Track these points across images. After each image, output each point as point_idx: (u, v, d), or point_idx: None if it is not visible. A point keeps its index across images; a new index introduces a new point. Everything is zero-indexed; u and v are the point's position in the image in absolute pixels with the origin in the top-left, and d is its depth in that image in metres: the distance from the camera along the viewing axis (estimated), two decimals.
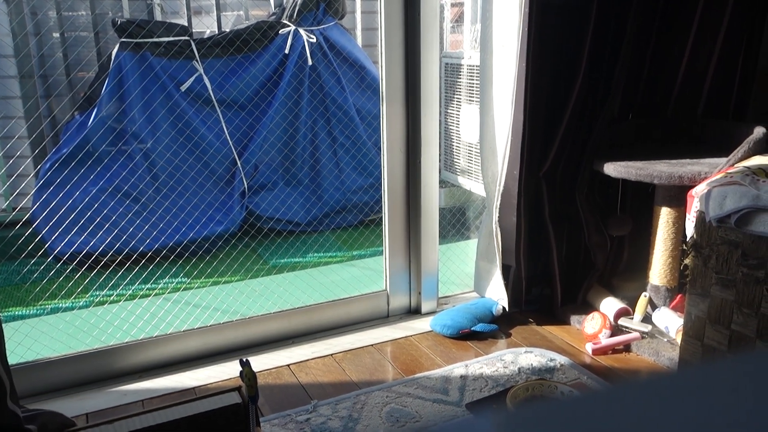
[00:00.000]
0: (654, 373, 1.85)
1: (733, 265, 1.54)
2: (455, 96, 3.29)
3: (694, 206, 1.67)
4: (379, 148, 2.16)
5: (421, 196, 2.13)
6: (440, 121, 3.41)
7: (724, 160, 1.81)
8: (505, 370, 1.86)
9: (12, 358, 1.87)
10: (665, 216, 1.98)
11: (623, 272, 2.34)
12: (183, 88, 3.16)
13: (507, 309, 2.18)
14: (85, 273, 2.83)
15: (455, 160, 3.40)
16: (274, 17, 3.51)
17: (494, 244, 2.14)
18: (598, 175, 2.08)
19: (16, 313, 2.56)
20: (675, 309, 2.02)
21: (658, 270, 2.04)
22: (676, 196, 1.94)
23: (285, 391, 1.79)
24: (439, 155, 3.33)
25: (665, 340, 1.97)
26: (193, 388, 1.81)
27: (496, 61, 2.03)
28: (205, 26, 3.62)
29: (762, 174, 1.57)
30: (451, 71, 3.32)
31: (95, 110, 3.02)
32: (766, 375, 0.41)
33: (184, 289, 2.73)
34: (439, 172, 2.39)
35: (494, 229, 2.12)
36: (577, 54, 2.00)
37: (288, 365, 1.92)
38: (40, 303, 2.64)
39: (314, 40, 3.39)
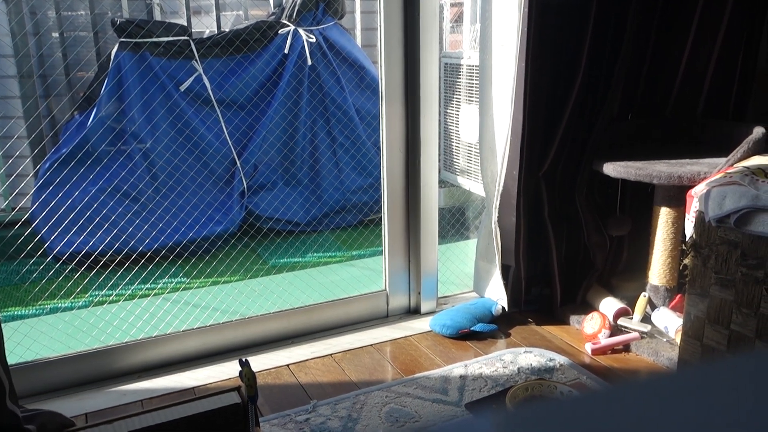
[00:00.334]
0: (653, 373, 1.85)
1: (733, 265, 1.54)
2: (455, 96, 3.29)
3: (693, 206, 1.67)
4: (379, 148, 2.16)
5: (421, 196, 2.13)
6: (440, 121, 3.41)
7: (723, 160, 1.81)
8: (505, 370, 1.86)
9: (11, 358, 1.87)
10: (664, 216, 1.98)
11: (623, 272, 2.34)
12: (182, 87, 3.16)
13: (506, 309, 2.18)
14: (85, 273, 2.82)
15: (455, 160, 3.40)
16: (273, 17, 3.51)
17: (494, 244, 2.14)
18: (598, 175, 2.08)
19: (15, 313, 2.56)
20: (674, 309, 2.02)
21: (658, 270, 2.04)
22: (676, 196, 1.94)
23: (284, 391, 1.79)
24: (439, 155, 3.33)
25: (664, 340, 1.97)
26: (193, 388, 1.81)
27: (496, 61, 2.03)
28: (205, 26, 3.62)
29: (761, 174, 1.57)
30: (450, 71, 3.32)
31: (94, 110, 3.02)
32: (766, 375, 0.41)
33: (184, 289, 2.73)
34: (439, 172, 2.39)
35: (494, 229, 2.12)
36: (576, 54, 2.00)
37: (287, 365, 1.92)
38: (39, 303, 2.64)
39: (314, 40, 3.39)
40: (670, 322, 1.96)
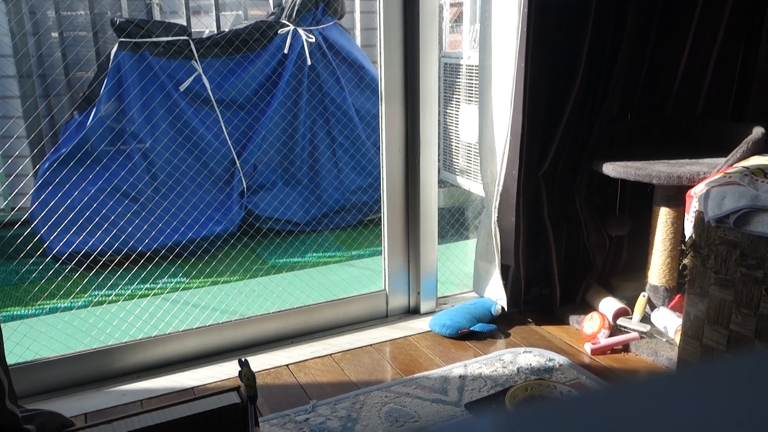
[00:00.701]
0: (653, 373, 1.85)
1: (732, 265, 1.54)
2: (454, 96, 3.29)
3: (692, 206, 1.67)
4: (378, 148, 2.16)
5: (420, 196, 2.13)
6: (439, 121, 3.41)
7: (722, 160, 1.81)
8: (504, 370, 1.86)
9: (10, 358, 1.87)
10: (664, 216, 1.98)
11: (622, 272, 2.34)
12: (182, 87, 3.16)
13: (506, 309, 2.19)
14: (84, 273, 2.82)
15: (454, 160, 3.40)
16: (273, 17, 3.51)
17: (493, 244, 2.14)
18: (597, 175, 2.08)
19: (15, 312, 2.56)
20: (674, 309, 2.02)
21: (657, 270, 2.04)
22: (675, 196, 1.94)
23: (284, 391, 1.79)
24: (438, 155, 3.33)
25: (664, 340, 1.97)
26: (192, 388, 1.80)
27: (495, 61, 2.03)
28: (204, 26, 3.62)
29: (761, 174, 1.57)
30: (450, 71, 3.32)
31: (94, 110, 3.02)
32: (765, 375, 0.41)
33: (183, 288, 2.73)
34: (438, 172, 2.39)
35: (493, 229, 2.12)
36: (576, 54, 2.00)
37: (287, 365, 1.92)
38: (38, 303, 2.64)
39: (313, 40, 3.39)
40: (669, 322, 1.96)
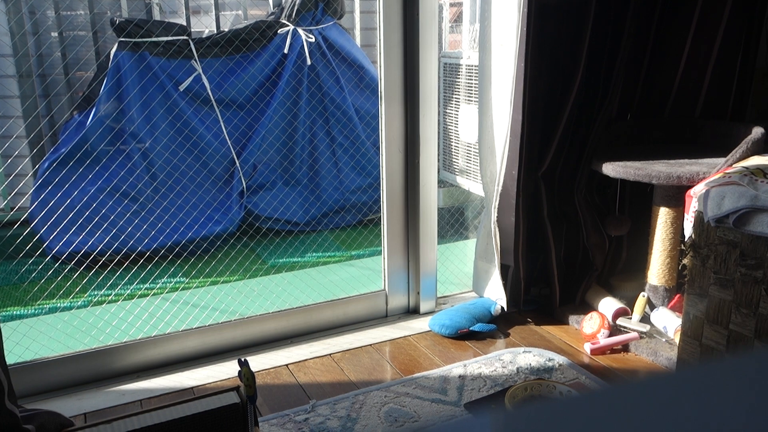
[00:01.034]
0: (652, 373, 1.85)
1: (732, 265, 1.54)
2: (454, 96, 3.29)
3: (692, 206, 1.67)
4: (378, 148, 2.16)
5: (420, 196, 2.13)
6: (439, 121, 3.41)
7: (722, 160, 1.81)
8: (504, 370, 1.86)
9: (10, 358, 1.87)
10: (664, 216, 1.99)
11: (622, 272, 2.34)
12: (181, 87, 3.16)
13: (505, 309, 2.19)
14: (83, 272, 2.82)
15: (454, 160, 3.40)
16: (272, 17, 3.51)
17: (493, 244, 2.14)
18: (597, 175, 2.08)
19: (14, 312, 2.56)
20: (673, 309, 2.02)
21: (657, 270, 2.04)
22: (675, 196, 1.94)
23: (283, 390, 1.79)
24: (438, 155, 3.33)
25: (663, 340, 1.98)
26: (192, 388, 1.80)
27: (495, 61, 2.03)
28: (204, 26, 3.62)
29: (760, 174, 1.57)
30: (449, 71, 3.32)
31: (93, 109, 3.02)
32: (765, 375, 0.41)
33: (183, 288, 2.73)
34: (438, 172, 2.39)
35: (493, 229, 2.12)
36: (575, 54, 2.01)
37: (286, 365, 1.92)
38: (38, 303, 2.64)
39: (313, 40, 3.39)
40: (669, 322, 1.96)
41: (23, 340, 2.18)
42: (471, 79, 3.12)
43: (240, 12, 3.78)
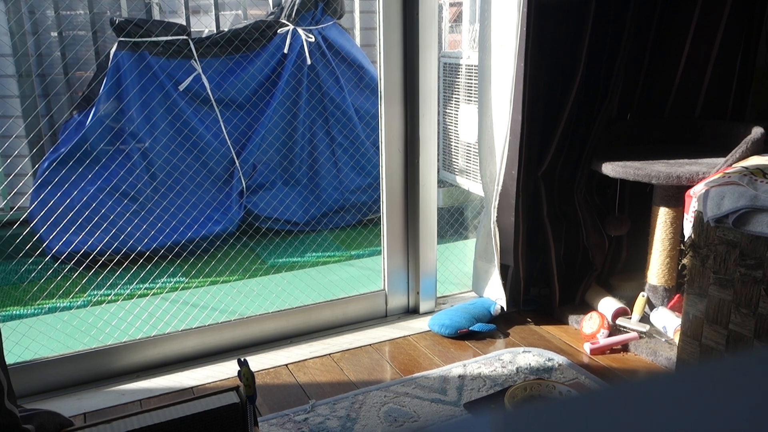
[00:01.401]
0: (652, 372, 1.86)
1: (731, 265, 1.54)
2: (454, 96, 3.29)
3: (692, 206, 1.67)
4: (378, 148, 2.16)
5: (420, 196, 2.13)
6: (438, 120, 3.41)
7: (722, 160, 1.81)
8: (503, 370, 1.86)
9: (10, 358, 1.87)
10: (663, 216, 1.99)
11: (621, 272, 2.34)
12: (181, 87, 3.16)
13: (505, 309, 2.19)
14: (83, 272, 2.82)
15: (453, 159, 3.40)
16: (272, 17, 3.51)
17: (492, 243, 2.14)
18: (597, 175, 2.08)
19: (14, 312, 2.56)
20: (673, 309, 2.02)
21: (656, 270, 2.04)
22: (674, 196, 1.94)
23: (283, 390, 1.79)
24: (438, 155, 3.33)
25: (663, 339, 1.98)
26: (191, 388, 1.80)
27: (495, 61, 2.03)
28: (204, 25, 3.62)
29: (760, 174, 1.57)
30: (449, 71, 3.32)
31: (93, 109, 3.02)
32: (764, 375, 0.41)
33: (182, 288, 2.73)
34: (438, 171, 2.39)
35: (492, 229, 2.12)
36: (575, 53, 2.01)
37: (286, 365, 1.92)
38: (37, 302, 2.64)
39: (313, 40, 3.39)
40: (668, 321, 1.96)
41: (23, 339, 2.18)
42: (471, 79, 3.12)
43: (240, 12, 3.78)
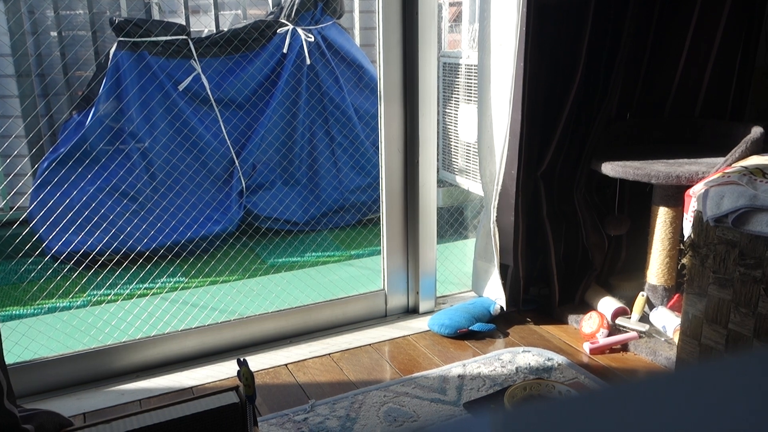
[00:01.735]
0: (651, 372, 1.86)
1: (731, 265, 1.54)
2: (453, 95, 3.29)
3: (691, 206, 1.67)
4: (377, 148, 2.16)
5: (419, 196, 2.13)
6: (438, 120, 3.41)
7: (721, 159, 1.81)
8: (503, 370, 1.86)
9: (9, 358, 1.87)
10: (663, 216, 1.99)
11: (621, 272, 2.34)
12: (181, 87, 3.16)
13: (505, 308, 2.19)
14: (83, 272, 2.82)
15: (453, 159, 3.40)
16: (272, 16, 3.51)
17: (492, 243, 2.14)
18: (596, 174, 2.08)
19: (14, 312, 2.55)
20: (672, 308, 2.02)
21: (656, 269, 2.04)
22: (674, 195, 1.94)
23: (283, 390, 1.79)
24: (437, 155, 3.33)
25: (663, 339, 1.98)
26: (191, 388, 1.80)
27: (494, 61, 2.03)
28: (203, 25, 3.62)
29: (759, 174, 1.57)
30: (449, 71, 3.32)
31: (93, 109, 3.02)
32: (764, 375, 0.41)
33: (182, 288, 2.73)
34: (437, 171, 2.39)
35: (492, 229, 2.12)
36: (575, 54, 2.01)
37: (286, 365, 1.92)
38: (37, 302, 2.64)
39: (312, 40, 3.39)
40: (668, 321, 1.96)
41: (22, 339, 2.18)
42: (470, 79, 3.12)
43: (239, 11, 3.77)
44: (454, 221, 3.43)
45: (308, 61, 3.37)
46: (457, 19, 3.69)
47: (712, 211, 1.53)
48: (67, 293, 2.69)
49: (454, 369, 1.87)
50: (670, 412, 0.38)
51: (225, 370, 1.89)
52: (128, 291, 2.72)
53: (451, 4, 3.72)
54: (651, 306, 2.07)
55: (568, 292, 2.22)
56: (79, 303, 2.62)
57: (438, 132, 3.27)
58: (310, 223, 3.42)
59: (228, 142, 3.27)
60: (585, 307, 2.18)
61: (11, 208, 3.12)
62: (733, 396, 0.39)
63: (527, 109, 1.95)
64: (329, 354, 1.98)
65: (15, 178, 3.23)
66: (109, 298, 2.64)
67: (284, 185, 3.41)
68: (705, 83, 2.20)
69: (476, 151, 2.28)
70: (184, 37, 3.18)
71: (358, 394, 1.74)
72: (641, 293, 2.07)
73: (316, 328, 2.13)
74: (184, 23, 3.37)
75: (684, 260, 1.67)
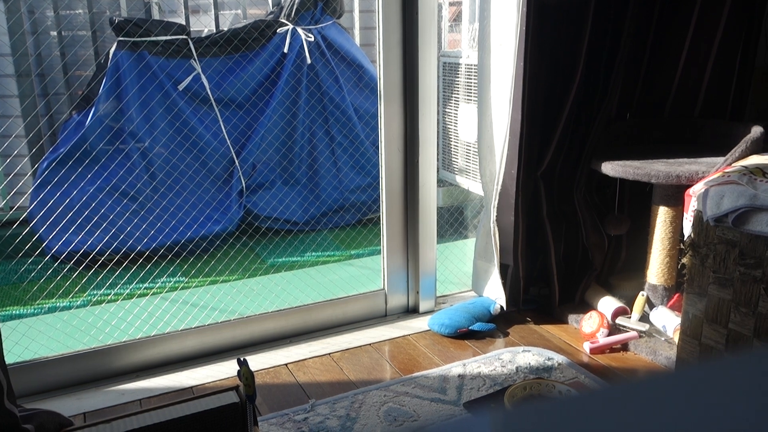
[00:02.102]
0: (651, 372, 1.86)
1: (731, 265, 1.54)
2: (453, 95, 3.29)
3: (691, 205, 1.67)
4: (377, 148, 2.16)
5: (419, 196, 2.13)
6: (438, 120, 3.41)
7: (721, 159, 1.81)
8: (503, 369, 1.86)
9: (9, 358, 1.87)
10: (663, 215, 1.99)
11: (621, 271, 2.34)
12: (181, 87, 3.16)
13: (505, 308, 2.19)
14: (83, 272, 2.82)
15: (453, 159, 3.40)
16: (272, 16, 3.51)
17: (492, 243, 2.14)
18: (596, 174, 2.08)
19: (14, 312, 2.55)
20: (672, 308, 2.02)
21: (656, 269, 2.04)
22: (674, 195, 1.94)
23: (283, 390, 1.79)
24: (437, 154, 3.33)
25: (663, 339, 1.98)
26: (191, 388, 1.80)
27: (494, 61, 2.03)
28: (203, 25, 3.62)
29: (759, 173, 1.57)
30: (449, 70, 3.32)
31: (93, 109, 3.02)
32: (763, 374, 0.41)
33: (182, 288, 2.73)
34: (437, 171, 2.39)
35: (492, 229, 2.12)
36: (575, 53, 2.00)
37: (286, 364, 1.92)
38: (37, 302, 2.64)
39: (312, 39, 3.38)
40: (668, 321, 1.96)
41: (22, 339, 2.18)
42: (470, 79, 3.12)
43: (239, 11, 3.77)
44: (454, 221, 3.43)
45: (308, 61, 3.36)
46: (457, 18, 3.69)
47: (712, 211, 1.53)
48: (67, 293, 2.69)
49: (454, 369, 1.87)
50: (670, 412, 0.38)
51: (225, 370, 1.89)
52: (128, 291, 2.72)
53: (451, 4, 3.72)
54: (651, 306, 2.07)
55: (568, 291, 2.22)
56: (79, 303, 2.62)
57: (438, 132, 3.26)
58: (310, 222, 3.42)
59: (228, 141, 3.27)
60: (585, 306, 2.18)
61: (11, 208, 3.12)
62: (733, 396, 0.39)
63: (527, 108, 1.95)
64: (329, 354, 1.98)
65: (15, 178, 3.23)
66: (109, 298, 2.64)
67: (284, 185, 3.41)
68: (705, 83, 2.20)
69: (476, 150, 2.28)
70: (183, 36, 3.18)
71: (358, 394, 1.74)
72: (641, 293, 2.07)
73: (316, 328, 2.13)
74: (183, 23, 3.37)
75: (684, 260, 1.67)
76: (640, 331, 2.01)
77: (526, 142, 1.99)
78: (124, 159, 3.07)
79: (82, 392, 1.78)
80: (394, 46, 2.03)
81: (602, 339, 1.98)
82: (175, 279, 2.86)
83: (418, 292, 2.23)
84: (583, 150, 2.08)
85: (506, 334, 2.10)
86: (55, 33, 3.43)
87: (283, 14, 3.43)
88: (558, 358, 1.92)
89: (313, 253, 3.16)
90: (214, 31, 3.49)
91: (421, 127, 2.07)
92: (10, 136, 3.24)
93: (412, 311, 2.26)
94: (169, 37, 3.13)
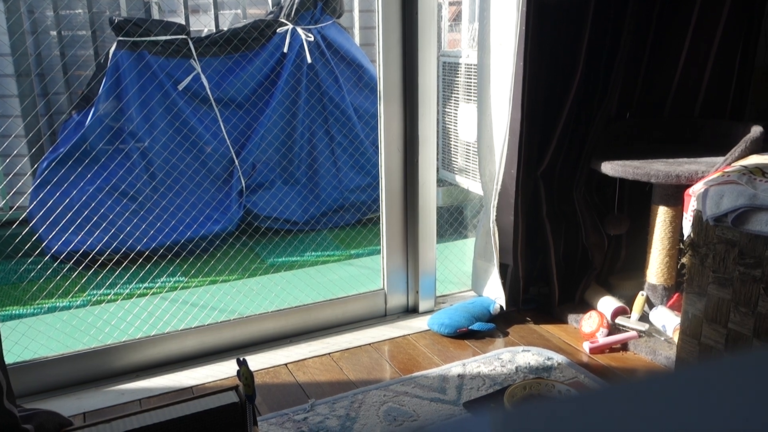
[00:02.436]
0: (651, 371, 1.86)
1: (730, 264, 1.54)
2: (453, 95, 3.29)
3: (691, 205, 1.67)
4: (377, 147, 2.16)
5: (419, 195, 2.13)
6: (438, 120, 3.41)
7: (721, 159, 1.81)
8: (503, 369, 1.86)
9: (9, 358, 1.87)
10: (662, 215, 1.99)
11: (621, 271, 2.34)
12: (180, 86, 3.16)
13: (504, 308, 2.19)
14: (82, 272, 2.82)
15: (453, 159, 3.40)
16: (271, 16, 3.51)
17: (492, 243, 2.14)
18: (596, 174, 2.08)
19: (13, 312, 2.55)
20: (672, 308, 2.02)
21: (656, 269, 2.04)
22: (674, 195, 1.95)
23: (282, 390, 1.79)
24: (437, 154, 3.33)
25: (662, 338, 1.98)
26: (191, 388, 1.80)
27: (494, 60, 2.03)
28: (203, 25, 3.62)
29: (759, 173, 1.57)
30: (448, 70, 3.32)
31: (92, 109, 3.02)
32: (763, 374, 0.41)
33: (182, 288, 2.73)
34: (437, 171, 2.39)
35: (492, 228, 2.12)
36: (574, 53, 2.00)
37: (285, 364, 1.92)
38: (37, 302, 2.64)
39: (312, 39, 3.38)
40: (668, 320, 1.96)
41: (22, 339, 2.18)
42: (470, 78, 3.12)
43: (239, 11, 3.77)
44: (454, 221, 3.43)
45: (308, 61, 3.36)
46: (456, 18, 3.69)
47: (711, 211, 1.53)
48: (67, 293, 2.69)
49: (454, 368, 1.87)
50: (669, 412, 0.38)
51: (225, 370, 1.89)
52: (128, 291, 2.72)
53: (450, 4, 3.72)
54: (651, 305, 2.07)
55: (568, 291, 2.22)
56: (78, 303, 2.62)
57: (438, 131, 3.26)
58: (310, 222, 3.42)
59: (228, 141, 3.27)
60: (585, 306, 2.18)
61: (11, 208, 3.12)
62: (733, 396, 0.39)
63: (527, 108, 1.95)
64: (329, 353, 1.98)
65: (15, 178, 3.23)
66: (108, 298, 2.64)
67: (284, 185, 3.41)
68: (705, 83, 2.20)
69: (476, 150, 2.29)
70: (183, 36, 3.18)
71: (358, 394, 1.74)
72: (641, 292, 2.07)
73: (315, 328, 2.13)
74: (183, 23, 3.37)
75: (684, 259, 1.67)
76: (639, 331, 2.01)
77: (526, 141, 1.99)
78: (123, 159, 3.07)
79: (81, 392, 1.78)
80: (394, 46, 2.03)
81: (602, 339, 1.98)
82: (174, 279, 2.86)
83: (417, 292, 2.23)
84: (583, 149, 2.08)
85: (506, 334, 2.10)
86: (54, 33, 3.43)
87: (282, 14, 3.43)
88: (558, 358, 1.92)
89: (313, 253, 3.16)
90: (214, 30, 3.49)
91: (421, 126, 2.07)
92: (10, 135, 3.24)
93: (411, 311, 2.26)
94: (168, 37, 3.13)
